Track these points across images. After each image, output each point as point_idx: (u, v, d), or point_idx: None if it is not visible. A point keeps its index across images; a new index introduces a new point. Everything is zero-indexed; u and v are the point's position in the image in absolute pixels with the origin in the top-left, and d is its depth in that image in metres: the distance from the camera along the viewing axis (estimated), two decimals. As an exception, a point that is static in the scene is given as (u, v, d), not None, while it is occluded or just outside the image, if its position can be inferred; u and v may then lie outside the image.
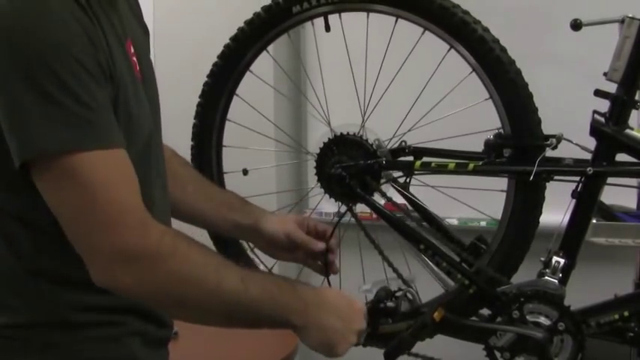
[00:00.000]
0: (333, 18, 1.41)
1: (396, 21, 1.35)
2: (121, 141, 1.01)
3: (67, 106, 0.94)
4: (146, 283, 1.01)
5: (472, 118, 1.38)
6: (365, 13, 1.38)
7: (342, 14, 1.40)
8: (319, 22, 1.41)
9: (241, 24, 1.45)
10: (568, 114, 1.73)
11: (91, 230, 0.98)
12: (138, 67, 1.12)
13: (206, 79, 1.49)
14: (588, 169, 1.25)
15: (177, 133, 1.63)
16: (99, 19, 1.01)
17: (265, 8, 1.42)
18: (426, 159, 1.40)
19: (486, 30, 1.29)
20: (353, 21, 1.42)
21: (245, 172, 1.54)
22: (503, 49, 1.28)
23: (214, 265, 1.08)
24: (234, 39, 1.45)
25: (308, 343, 1.16)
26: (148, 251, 1.00)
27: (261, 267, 1.55)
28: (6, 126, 0.96)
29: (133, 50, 1.11)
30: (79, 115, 0.95)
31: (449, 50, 1.32)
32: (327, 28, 1.41)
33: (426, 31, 1.33)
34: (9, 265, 1.05)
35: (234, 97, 1.50)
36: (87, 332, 1.07)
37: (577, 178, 1.27)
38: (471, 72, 1.31)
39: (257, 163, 1.57)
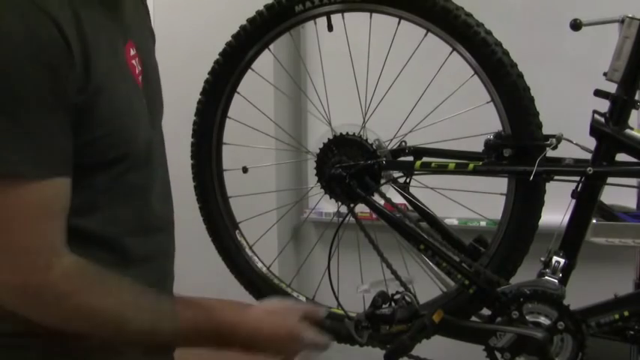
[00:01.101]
0: (335, 18, 1.41)
1: (399, 22, 1.35)
2: (58, 169, 0.97)
3: (3, 129, 0.92)
4: (49, 317, 1.00)
5: (473, 120, 1.38)
6: (367, 14, 1.38)
7: (345, 14, 1.40)
8: (321, 21, 1.41)
9: (243, 22, 1.45)
10: (568, 114, 1.73)
11: None
12: (138, 70, 1.11)
13: (207, 76, 1.49)
14: (588, 169, 1.25)
15: (177, 130, 1.63)
16: (81, 22, 0.96)
17: (268, 7, 1.42)
18: (425, 159, 1.40)
19: (489, 33, 1.29)
20: (355, 21, 1.42)
21: (245, 169, 1.54)
22: (506, 52, 1.28)
23: (124, 303, 1.05)
24: (236, 37, 1.46)
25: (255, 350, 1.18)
26: (49, 290, 0.98)
27: (260, 265, 1.55)
28: None
29: (134, 52, 1.10)
30: (12, 140, 0.93)
31: (451, 52, 1.32)
32: (330, 28, 1.41)
33: (429, 33, 1.32)
34: None
35: (235, 94, 1.51)
36: (88, 341, 1.07)
37: (577, 178, 1.27)
38: (473, 74, 1.31)
39: (257, 162, 1.57)
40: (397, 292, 1.32)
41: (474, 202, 1.47)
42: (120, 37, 1.07)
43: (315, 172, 1.44)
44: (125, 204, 1.10)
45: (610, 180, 1.28)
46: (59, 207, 0.99)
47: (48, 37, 0.92)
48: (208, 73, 1.49)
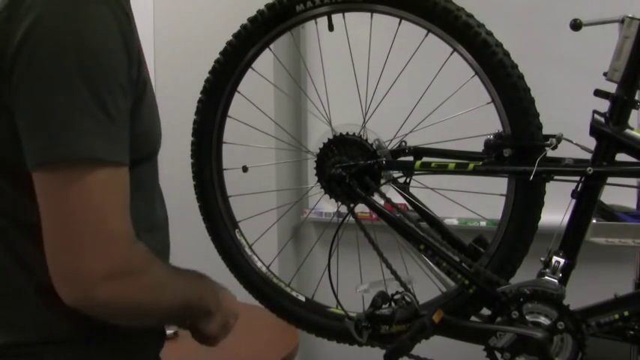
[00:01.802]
0: (336, 17, 1.41)
1: (400, 22, 1.35)
2: (127, 159, 1.01)
3: (97, 116, 0.95)
4: (122, 297, 1.01)
5: (473, 121, 1.38)
6: (368, 14, 1.38)
7: (346, 14, 1.40)
8: (322, 21, 1.41)
9: (244, 21, 1.45)
10: (568, 114, 1.73)
11: (81, 246, 0.96)
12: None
13: (208, 75, 1.50)
14: (588, 169, 1.25)
15: (177, 129, 1.64)
16: (133, 25, 1.03)
17: (269, 6, 1.42)
18: (425, 159, 1.40)
19: (490, 33, 1.29)
20: (356, 21, 1.42)
21: (245, 169, 1.54)
22: (506, 53, 1.28)
23: (172, 275, 1.15)
24: (236, 36, 1.46)
25: (211, 325, 1.29)
26: (130, 269, 1.01)
27: (259, 264, 1.55)
28: (30, 125, 0.96)
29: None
30: (105, 128, 0.96)
31: (452, 53, 1.32)
32: (331, 28, 1.41)
33: (430, 33, 1.32)
34: (19, 284, 1.05)
35: (236, 94, 1.51)
36: (99, 347, 1.08)
37: (577, 178, 1.27)
38: (474, 75, 1.31)
39: (257, 161, 1.57)
40: (397, 292, 1.32)
41: (473, 203, 1.47)
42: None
43: (315, 171, 1.44)
44: (140, 201, 1.12)
45: (610, 180, 1.28)
46: (128, 194, 1.02)
47: (128, 30, 1.01)
48: (209, 72, 1.49)
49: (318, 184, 1.43)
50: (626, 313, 1.25)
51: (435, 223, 1.45)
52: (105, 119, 0.96)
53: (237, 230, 1.57)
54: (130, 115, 1.02)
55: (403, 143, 1.43)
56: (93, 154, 0.95)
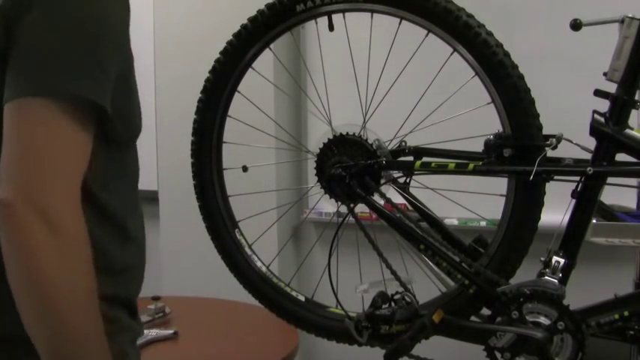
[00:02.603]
0: (336, 17, 1.41)
1: (400, 22, 1.35)
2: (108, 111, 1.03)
3: (90, 65, 0.99)
4: (40, 246, 0.94)
5: (473, 121, 1.38)
6: (369, 14, 1.38)
7: (346, 14, 1.41)
8: (323, 21, 1.41)
9: (244, 21, 1.45)
10: (568, 114, 1.73)
11: (38, 172, 0.94)
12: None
13: (208, 75, 1.50)
14: (588, 169, 1.25)
15: (177, 128, 1.64)
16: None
17: (269, 6, 1.42)
18: (425, 159, 1.40)
19: (490, 34, 1.29)
20: (356, 21, 1.42)
21: (245, 168, 1.54)
22: (507, 54, 1.28)
23: (96, 302, 1.01)
24: (236, 36, 1.46)
25: None
26: (65, 229, 0.95)
27: (259, 264, 1.55)
28: (22, 61, 0.97)
29: None
30: (98, 78, 1.00)
31: (452, 53, 1.32)
32: (331, 28, 1.41)
33: (430, 34, 1.33)
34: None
35: (236, 93, 1.51)
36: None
37: (577, 178, 1.27)
38: (474, 76, 1.31)
39: (257, 161, 1.57)
40: (397, 293, 1.33)
41: (473, 203, 1.47)
42: None
43: (315, 171, 1.44)
44: (127, 184, 1.15)
45: (610, 180, 1.28)
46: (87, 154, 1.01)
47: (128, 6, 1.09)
48: (209, 72, 1.49)
49: (318, 184, 1.43)
50: (626, 313, 1.25)
51: (435, 223, 1.46)
52: (98, 70, 1.00)
53: (237, 230, 1.57)
54: (115, 85, 1.05)
55: (403, 143, 1.43)
56: (81, 93, 0.98)
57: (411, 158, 1.41)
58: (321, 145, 1.43)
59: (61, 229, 0.95)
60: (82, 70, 0.98)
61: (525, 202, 1.32)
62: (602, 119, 1.28)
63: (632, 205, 1.75)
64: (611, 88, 1.27)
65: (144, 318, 2.25)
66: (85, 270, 0.98)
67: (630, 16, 1.23)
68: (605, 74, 1.26)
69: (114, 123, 1.06)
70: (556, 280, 1.27)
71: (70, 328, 0.97)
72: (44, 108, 0.96)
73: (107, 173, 1.08)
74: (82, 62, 0.98)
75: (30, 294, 0.96)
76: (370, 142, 1.41)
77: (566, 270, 1.29)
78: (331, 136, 1.43)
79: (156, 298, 2.36)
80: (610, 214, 1.42)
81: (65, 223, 0.96)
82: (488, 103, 1.32)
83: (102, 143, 1.05)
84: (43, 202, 0.94)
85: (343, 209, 1.41)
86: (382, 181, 1.40)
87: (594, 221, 1.33)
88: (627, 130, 1.27)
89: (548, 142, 1.28)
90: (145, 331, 2.10)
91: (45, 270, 0.94)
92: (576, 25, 1.29)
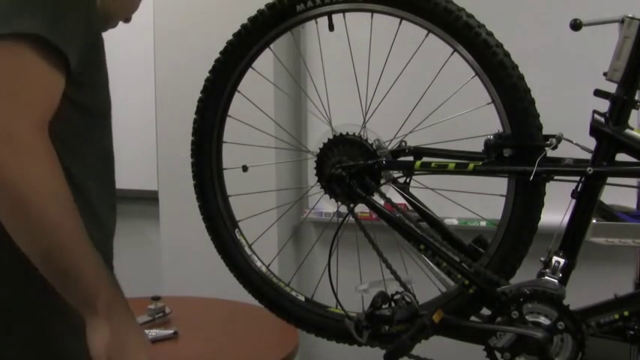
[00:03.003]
0: (336, 17, 1.41)
1: (400, 22, 1.35)
2: (75, 59, 1.10)
3: (59, 18, 1.07)
4: (9, 165, 1.01)
5: (473, 121, 1.38)
6: (369, 14, 1.38)
7: (346, 14, 1.41)
8: (323, 21, 1.41)
9: (245, 20, 1.45)
10: (568, 114, 1.73)
11: (6, 103, 1.02)
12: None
13: (208, 74, 1.50)
14: (588, 169, 1.25)
15: (177, 128, 1.64)
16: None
17: (269, 5, 1.42)
18: (425, 159, 1.40)
19: (490, 34, 1.29)
20: (356, 21, 1.42)
21: (245, 168, 1.54)
22: (507, 54, 1.28)
23: (72, 202, 1.08)
24: (237, 35, 1.46)
25: (93, 339, 1.10)
26: (31, 148, 1.02)
27: (259, 264, 1.55)
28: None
29: None
30: (64, 33, 1.07)
31: (452, 53, 1.32)
32: (331, 28, 1.41)
33: (430, 34, 1.33)
34: None
35: (236, 93, 1.51)
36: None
37: (577, 178, 1.27)
38: (474, 76, 1.31)
39: (257, 161, 1.57)
40: (397, 293, 1.32)
41: (473, 203, 1.47)
42: None
43: (315, 171, 1.44)
44: (93, 154, 1.22)
45: (610, 180, 1.28)
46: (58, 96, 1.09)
47: None
48: (209, 72, 1.49)
49: (318, 184, 1.43)
50: (626, 313, 1.25)
51: (435, 223, 1.45)
52: (64, 25, 1.07)
53: (237, 230, 1.57)
54: (85, 54, 1.13)
55: (403, 143, 1.43)
56: (46, 36, 1.04)
57: (411, 158, 1.41)
58: (321, 145, 1.43)
59: (27, 149, 1.02)
60: (49, 19, 1.05)
61: (525, 202, 1.32)
62: (602, 119, 1.28)
63: (632, 205, 1.75)
64: (611, 88, 1.27)
65: (143, 318, 2.25)
66: (52, 175, 1.04)
67: (630, 16, 1.23)
68: (605, 74, 1.26)
69: (84, 88, 1.14)
70: (556, 280, 1.27)
71: (46, 225, 1.03)
72: (15, 46, 1.03)
73: (74, 138, 1.16)
74: (49, 12, 1.05)
75: (0, 203, 1.02)
76: (370, 142, 1.41)
77: (566, 270, 1.28)
78: (331, 136, 1.42)
79: (156, 298, 2.36)
80: (610, 214, 1.42)
81: (31, 144, 1.03)
82: (489, 103, 1.32)
83: (71, 106, 1.13)
84: (9, 128, 1.01)
85: (343, 209, 1.41)
86: (382, 181, 1.40)
87: (594, 221, 1.33)
88: (627, 130, 1.27)
89: (548, 142, 1.28)
90: (145, 331, 2.10)
91: (7, 176, 1.00)
92: (576, 25, 1.29)
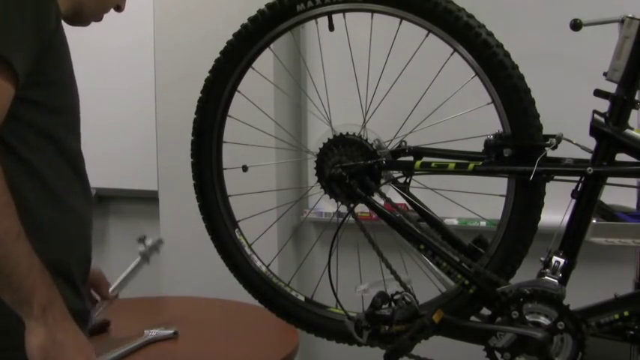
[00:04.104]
0: (336, 17, 1.41)
1: (400, 22, 1.35)
2: (21, 69, 1.12)
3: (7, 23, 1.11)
4: None
5: (473, 121, 1.38)
6: (369, 14, 1.38)
7: (346, 14, 1.41)
8: (323, 20, 1.41)
9: (245, 20, 1.45)
10: (568, 114, 1.73)
11: None
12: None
13: (208, 74, 1.50)
14: (588, 169, 1.25)
15: (177, 128, 1.63)
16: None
17: (269, 5, 1.42)
18: (425, 159, 1.40)
19: (490, 34, 1.29)
20: (356, 21, 1.42)
21: (245, 168, 1.54)
22: (507, 54, 1.28)
23: (8, 211, 1.10)
24: (237, 35, 1.46)
25: (29, 341, 1.12)
26: None
27: (259, 264, 1.55)
28: None
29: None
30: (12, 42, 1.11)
31: (452, 53, 1.32)
32: (331, 28, 1.41)
33: (430, 34, 1.32)
34: None
35: (236, 93, 1.51)
36: None
37: (577, 178, 1.27)
38: (474, 76, 1.31)
39: (257, 160, 1.57)
40: (397, 293, 1.32)
41: (473, 203, 1.47)
42: None
43: (315, 171, 1.44)
44: (53, 148, 1.24)
45: (610, 180, 1.28)
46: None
47: None
48: (209, 72, 1.50)
49: (318, 184, 1.43)
50: (626, 313, 1.25)
51: (434, 223, 1.45)
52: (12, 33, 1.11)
53: (236, 230, 1.57)
54: (42, 53, 1.16)
55: (403, 143, 1.43)
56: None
57: (411, 158, 1.41)
58: (321, 145, 1.43)
59: None
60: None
61: (525, 202, 1.32)
62: (602, 119, 1.28)
63: (632, 205, 1.75)
64: (611, 88, 1.27)
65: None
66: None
67: (630, 16, 1.23)
68: (605, 74, 1.26)
69: (42, 87, 1.18)
70: (556, 280, 1.27)
71: None
72: None
73: (35, 135, 1.20)
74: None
75: None
76: (370, 142, 1.41)
77: (566, 270, 1.29)
78: (331, 136, 1.42)
79: (142, 239, 2.04)
80: (610, 214, 1.42)
81: None
82: (489, 104, 1.32)
83: (30, 106, 1.17)
84: None
85: (343, 209, 1.41)
86: (382, 181, 1.40)
87: (594, 221, 1.33)
88: (627, 130, 1.27)
89: (548, 142, 1.28)
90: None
91: None
92: (576, 25, 1.29)
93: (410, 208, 1.47)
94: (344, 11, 1.39)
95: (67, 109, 1.29)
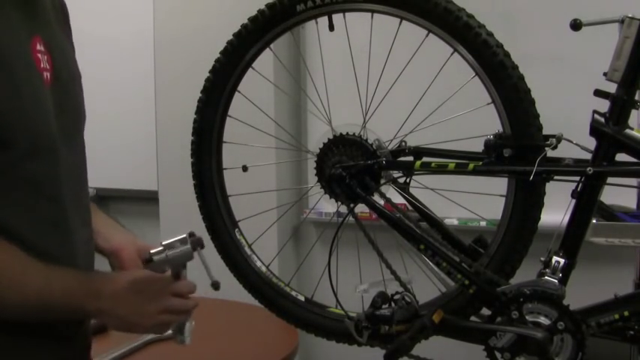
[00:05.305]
0: (336, 17, 1.41)
1: (400, 22, 1.35)
2: None
3: None
4: None
5: (473, 121, 1.38)
6: (369, 14, 1.38)
7: (347, 14, 1.40)
8: (323, 20, 1.41)
9: (245, 20, 1.45)
10: (568, 114, 1.73)
11: None
12: (44, 66, 1.15)
13: (208, 74, 1.50)
14: (588, 169, 1.25)
15: (177, 128, 1.63)
16: None
17: (269, 5, 1.42)
18: (425, 159, 1.40)
19: (490, 34, 1.29)
20: (356, 21, 1.42)
21: (245, 168, 1.54)
22: (507, 54, 1.28)
23: (19, 265, 1.10)
24: (237, 35, 1.46)
25: (108, 324, 1.26)
26: None
27: (259, 264, 1.55)
28: None
29: (41, 48, 1.14)
30: None
31: (452, 53, 1.32)
32: (331, 28, 1.41)
33: (430, 34, 1.32)
34: None
35: (236, 93, 1.51)
36: None
37: (577, 178, 1.27)
38: (474, 76, 1.31)
39: (257, 160, 1.57)
40: (397, 293, 1.32)
41: (473, 203, 1.47)
42: (26, 29, 1.12)
43: (315, 171, 1.44)
44: (26, 193, 1.13)
45: (610, 180, 1.28)
46: None
47: None
48: (209, 72, 1.50)
49: (318, 184, 1.43)
50: (626, 313, 1.25)
51: (434, 223, 1.45)
52: None
53: (236, 230, 1.57)
54: None
55: (403, 143, 1.43)
56: None
57: (411, 158, 1.41)
58: (321, 145, 1.43)
59: None
60: None
61: (525, 202, 1.32)
62: (602, 119, 1.28)
63: (632, 205, 1.75)
64: (611, 88, 1.27)
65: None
66: None
67: (630, 16, 1.23)
68: (605, 74, 1.26)
69: None
70: (556, 280, 1.27)
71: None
72: None
73: None
74: None
75: None
76: (370, 142, 1.41)
77: (566, 270, 1.28)
78: (331, 136, 1.43)
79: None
80: (610, 214, 1.42)
81: None
82: (489, 104, 1.32)
83: None
84: None
85: (343, 209, 1.41)
86: (382, 181, 1.40)
87: (594, 221, 1.33)
88: (627, 130, 1.27)
89: (548, 142, 1.28)
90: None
91: None
92: (576, 25, 1.29)
93: (410, 208, 1.47)
94: (344, 11, 1.39)
95: (36, 141, 1.11)
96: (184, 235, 1.33)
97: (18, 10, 1.11)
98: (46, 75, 1.15)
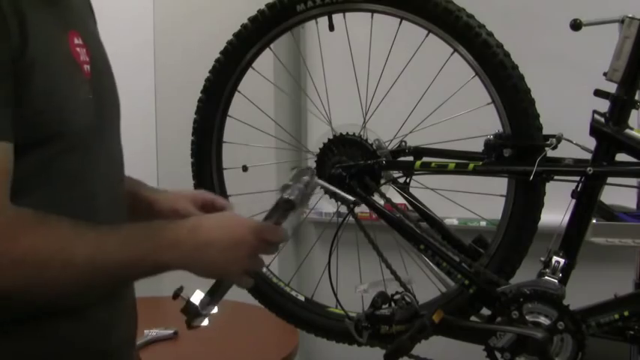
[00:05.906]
0: (336, 17, 1.41)
1: (400, 22, 1.35)
2: (5, 134, 1.00)
3: None
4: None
5: (473, 121, 1.38)
6: (369, 14, 1.38)
7: (347, 14, 1.41)
8: (323, 20, 1.41)
9: (245, 20, 1.45)
10: (568, 114, 1.73)
11: None
12: (83, 59, 1.14)
13: (208, 74, 1.50)
14: (588, 169, 1.25)
15: (177, 128, 1.63)
16: (23, 13, 1.01)
17: (269, 5, 1.42)
18: (425, 159, 1.40)
19: (490, 34, 1.29)
20: (357, 21, 1.42)
21: (245, 168, 1.54)
22: (507, 54, 1.28)
23: (66, 235, 1.05)
24: (237, 35, 1.46)
25: (197, 274, 1.20)
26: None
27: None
28: None
29: (79, 42, 1.13)
30: None
31: (452, 53, 1.32)
32: (331, 28, 1.41)
33: (430, 34, 1.33)
34: None
35: (236, 93, 1.51)
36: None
37: (577, 178, 1.27)
38: (474, 76, 1.31)
39: (257, 160, 1.57)
40: (397, 293, 1.33)
41: (473, 203, 1.47)
42: (62, 25, 1.11)
43: (315, 171, 1.44)
44: (61, 189, 1.10)
45: (610, 180, 1.28)
46: (4, 168, 1.00)
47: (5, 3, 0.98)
48: (209, 72, 1.50)
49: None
50: (626, 313, 1.25)
51: (435, 223, 1.45)
52: None
53: (237, 230, 1.56)
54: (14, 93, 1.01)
55: (403, 143, 1.43)
56: None
57: (411, 158, 1.41)
58: (321, 145, 1.43)
59: (9, 234, 0.98)
60: None
61: (525, 202, 1.32)
62: (602, 119, 1.28)
63: (632, 205, 1.75)
64: (611, 88, 1.27)
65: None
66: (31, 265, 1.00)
67: (630, 16, 1.23)
68: (605, 74, 1.26)
69: (28, 124, 1.03)
70: (556, 280, 1.27)
71: (61, 289, 1.04)
72: None
73: (22, 179, 1.04)
74: None
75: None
76: (370, 142, 1.41)
77: (566, 270, 1.29)
78: (331, 136, 1.43)
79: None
80: (610, 214, 1.43)
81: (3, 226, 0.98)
82: (489, 104, 1.32)
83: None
84: None
85: (343, 209, 1.41)
86: (382, 181, 1.40)
87: (594, 221, 1.33)
88: (627, 130, 1.27)
89: (548, 142, 1.29)
90: (145, 331, 2.10)
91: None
92: (576, 25, 1.29)
93: (410, 208, 1.47)
94: (344, 11, 1.39)
95: (71, 131, 1.10)
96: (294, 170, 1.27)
97: (52, 7, 1.10)
98: (86, 67, 1.14)
